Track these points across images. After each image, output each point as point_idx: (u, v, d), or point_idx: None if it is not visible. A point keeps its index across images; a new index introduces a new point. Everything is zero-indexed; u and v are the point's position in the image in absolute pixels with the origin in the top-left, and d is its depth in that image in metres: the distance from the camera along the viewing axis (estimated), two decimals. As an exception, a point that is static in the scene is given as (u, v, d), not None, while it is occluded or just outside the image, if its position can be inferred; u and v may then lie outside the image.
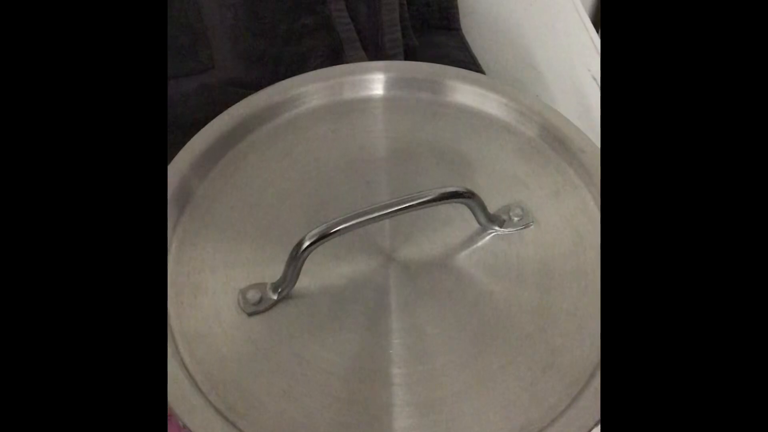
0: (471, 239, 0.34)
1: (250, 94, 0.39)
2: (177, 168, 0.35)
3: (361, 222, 0.30)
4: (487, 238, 0.34)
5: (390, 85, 0.40)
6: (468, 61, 0.58)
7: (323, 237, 0.30)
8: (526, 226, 0.34)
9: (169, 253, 0.33)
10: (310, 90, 0.39)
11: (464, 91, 0.40)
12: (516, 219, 0.34)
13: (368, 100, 0.40)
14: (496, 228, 0.34)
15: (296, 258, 0.30)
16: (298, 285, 0.31)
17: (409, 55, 0.55)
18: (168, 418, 0.41)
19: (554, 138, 0.38)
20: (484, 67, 0.58)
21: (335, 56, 0.53)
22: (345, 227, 0.30)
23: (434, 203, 0.31)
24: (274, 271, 0.32)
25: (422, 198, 0.31)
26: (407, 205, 0.31)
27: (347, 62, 0.51)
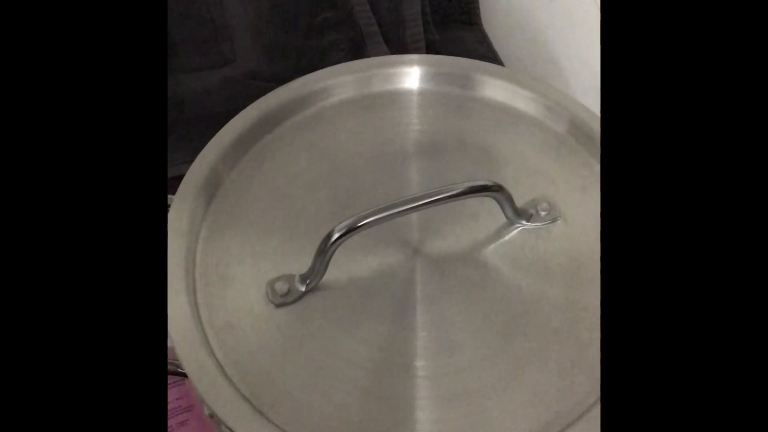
0: (498, 233, 0.34)
1: (272, 87, 0.39)
2: (206, 159, 0.35)
3: (389, 215, 0.30)
4: (514, 232, 0.34)
5: (419, 78, 0.40)
6: (489, 56, 0.58)
7: (352, 230, 0.30)
8: (554, 220, 0.34)
9: (197, 244, 0.33)
10: (339, 83, 0.39)
11: (493, 86, 0.40)
12: (543, 213, 0.34)
13: (397, 94, 0.40)
14: (524, 222, 0.34)
15: (325, 250, 0.30)
16: (325, 277, 0.31)
17: (430, 49, 0.55)
18: (194, 406, 0.41)
19: (582, 133, 0.37)
20: (504, 62, 0.58)
21: (357, 50, 0.53)
22: (373, 220, 0.30)
23: (462, 197, 0.31)
24: (302, 262, 0.32)
25: (450, 191, 0.31)
26: (435, 198, 0.31)
27: (369, 56, 0.51)
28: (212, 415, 0.29)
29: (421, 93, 0.40)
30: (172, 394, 0.41)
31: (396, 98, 0.40)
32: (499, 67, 0.40)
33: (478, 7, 0.60)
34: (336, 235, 0.30)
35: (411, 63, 0.40)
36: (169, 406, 0.40)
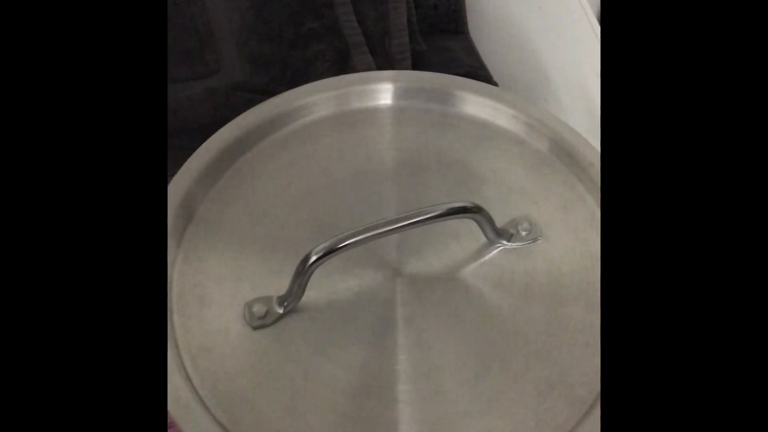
0: (478, 253, 0.34)
1: (257, 98, 0.39)
2: (182, 179, 0.35)
3: (368, 237, 0.30)
4: (495, 252, 0.34)
5: (398, 95, 0.40)
6: (476, 66, 0.57)
7: (330, 252, 0.30)
8: (534, 240, 0.34)
9: (174, 265, 0.33)
10: (318, 100, 0.39)
11: (474, 103, 0.39)
12: (524, 233, 0.34)
13: (376, 111, 0.40)
14: (504, 242, 0.34)
15: (303, 273, 0.30)
16: (304, 299, 0.31)
17: (417, 59, 0.54)
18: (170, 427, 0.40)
19: (564, 151, 0.37)
20: (492, 71, 0.58)
21: (342, 61, 0.52)
22: (352, 242, 0.30)
23: (442, 218, 0.31)
24: (280, 284, 0.31)
25: (430, 213, 0.31)
26: (415, 220, 0.30)
27: (354, 67, 0.51)
28: (188, 441, 0.28)
29: (401, 109, 0.40)
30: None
31: (375, 115, 0.39)
32: (480, 83, 0.40)
33: (464, 16, 0.60)
34: (313, 258, 0.30)
35: (390, 79, 0.40)
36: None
